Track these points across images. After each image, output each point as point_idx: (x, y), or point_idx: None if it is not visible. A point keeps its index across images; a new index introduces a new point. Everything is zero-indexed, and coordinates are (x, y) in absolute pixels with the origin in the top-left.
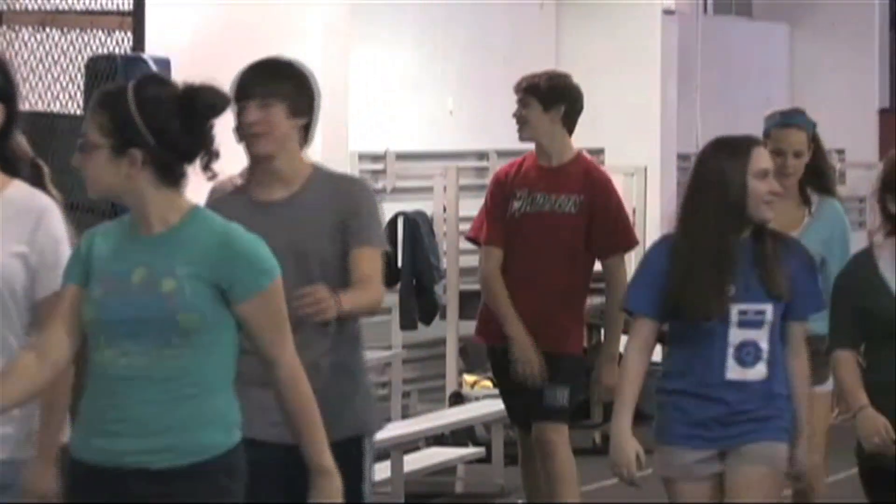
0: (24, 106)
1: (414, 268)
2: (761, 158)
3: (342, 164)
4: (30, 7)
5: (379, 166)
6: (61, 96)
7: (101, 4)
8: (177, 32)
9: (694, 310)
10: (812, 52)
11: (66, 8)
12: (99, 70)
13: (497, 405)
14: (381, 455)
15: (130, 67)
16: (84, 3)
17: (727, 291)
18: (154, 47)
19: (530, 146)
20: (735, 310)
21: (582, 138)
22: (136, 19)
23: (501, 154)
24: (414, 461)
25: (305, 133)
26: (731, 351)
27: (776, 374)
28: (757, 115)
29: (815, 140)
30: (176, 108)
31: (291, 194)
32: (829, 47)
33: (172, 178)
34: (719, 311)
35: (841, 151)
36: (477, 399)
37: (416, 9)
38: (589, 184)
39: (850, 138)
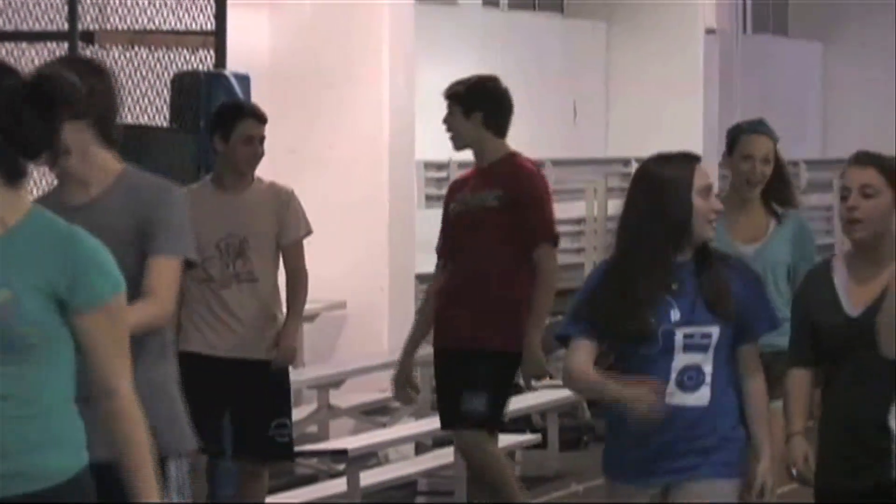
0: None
1: None
2: (704, 175)
3: (409, 172)
4: (120, 27)
5: (443, 174)
6: (149, 110)
7: (185, 24)
8: (256, 51)
9: (625, 330)
10: (843, 69)
11: (154, 28)
12: (184, 86)
13: (552, 394)
14: (444, 442)
15: (213, 83)
16: (170, 24)
17: (657, 312)
18: (234, 64)
19: (582, 155)
20: (680, 333)
21: (631, 148)
22: (217, 38)
23: (556, 163)
24: None
25: (100, 130)
26: (673, 376)
27: (720, 399)
28: (792, 125)
29: (775, 153)
30: (23, 100)
31: (92, 198)
32: (860, 64)
33: (15, 175)
34: (647, 331)
35: None
36: (533, 389)
37: (477, 29)
38: (513, 178)
39: (879, 146)
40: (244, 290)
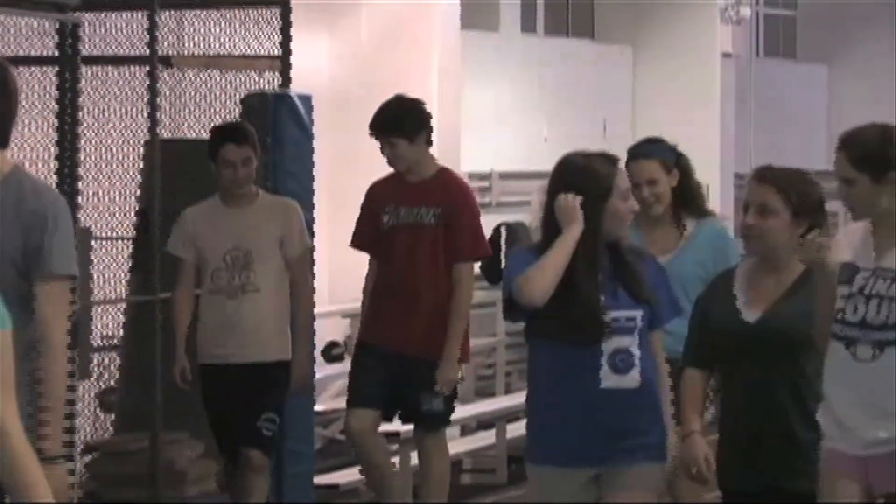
0: (190, 134)
1: None
2: (624, 177)
3: None
4: (195, 52)
5: (485, 184)
6: None
7: (253, 49)
8: (317, 74)
9: (580, 324)
10: (846, 89)
11: (225, 52)
12: (252, 105)
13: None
14: (487, 424)
15: (278, 103)
16: (240, 49)
17: (599, 302)
18: (298, 85)
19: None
20: (609, 317)
21: None
22: (283, 62)
23: None
24: (514, 430)
25: None
26: (604, 359)
27: (649, 381)
28: (800, 140)
29: (680, 166)
30: None
31: None
32: (861, 84)
33: None
34: (600, 320)
35: None
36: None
37: (516, 53)
38: (447, 195)
39: None
40: (250, 299)
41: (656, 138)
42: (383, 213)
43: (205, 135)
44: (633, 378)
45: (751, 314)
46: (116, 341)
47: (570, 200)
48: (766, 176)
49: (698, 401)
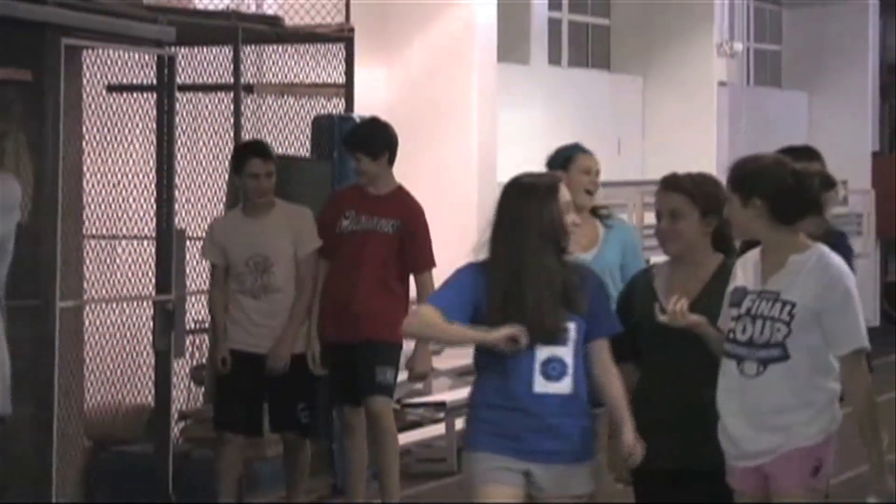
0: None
1: None
2: (565, 192)
3: (492, 191)
4: (273, 80)
5: None
6: (294, 144)
7: (322, 78)
8: (375, 99)
9: (538, 332)
10: (824, 112)
11: (298, 81)
12: (321, 126)
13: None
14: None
15: (343, 124)
16: (311, 78)
17: (560, 314)
18: (359, 109)
19: (625, 178)
20: (560, 326)
21: (662, 172)
22: (347, 89)
23: (605, 184)
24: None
25: None
26: (537, 366)
27: (579, 388)
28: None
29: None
30: None
31: None
32: (837, 108)
33: None
34: (557, 326)
35: (845, 182)
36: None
37: (543, 82)
38: (406, 211)
39: (853, 172)
40: (271, 299)
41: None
42: (343, 218)
43: (282, 151)
44: (564, 385)
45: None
46: (206, 325)
47: (509, 333)
48: (673, 183)
49: (627, 395)
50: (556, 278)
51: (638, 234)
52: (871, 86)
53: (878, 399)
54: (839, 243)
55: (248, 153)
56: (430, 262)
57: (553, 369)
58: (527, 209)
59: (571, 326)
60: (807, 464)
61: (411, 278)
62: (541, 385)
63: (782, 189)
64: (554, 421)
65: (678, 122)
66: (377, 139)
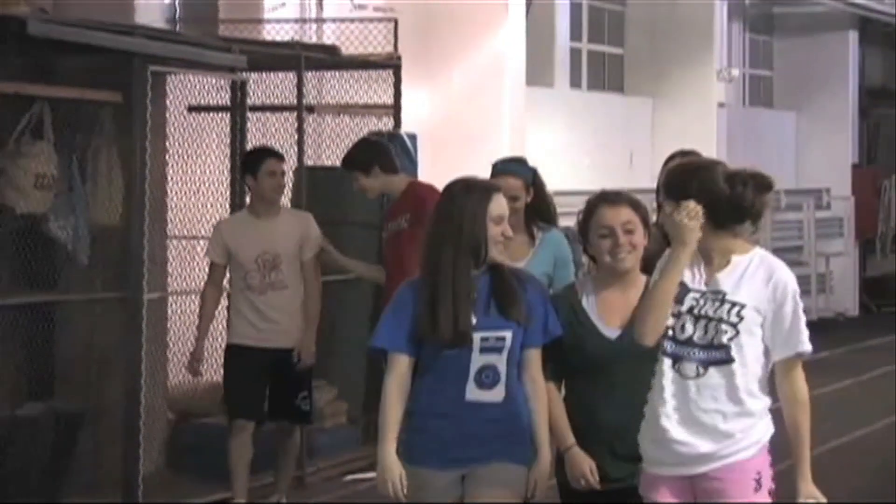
0: (328, 163)
1: None
2: (499, 205)
3: None
4: (331, 101)
5: None
6: None
7: (373, 100)
8: (420, 118)
9: (440, 338)
10: (810, 129)
11: (353, 102)
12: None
13: None
14: None
15: (392, 140)
16: (363, 99)
17: (469, 321)
18: (406, 126)
19: (636, 187)
20: (477, 337)
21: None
22: (395, 109)
23: None
24: None
25: None
26: (471, 374)
27: (514, 395)
28: (775, 168)
29: (535, 184)
30: None
31: None
32: (821, 126)
33: None
34: (464, 339)
35: (828, 189)
36: None
37: (565, 103)
38: (414, 201)
39: (835, 181)
40: (277, 295)
41: (520, 158)
42: (384, 231)
43: (338, 163)
44: (497, 393)
45: (610, 331)
46: None
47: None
48: (617, 198)
49: (564, 413)
50: (471, 286)
51: (566, 244)
52: (851, 106)
53: (862, 378)
54: None
55: (264, 154)
56: None
57: (486, 377)
58: (454, 216)
59: (507, 335)
60: (749, 477)
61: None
62: (473, 393)
63: (716, 195)
64: (488, 427)
65: (683, 138)
66: (362, 156)
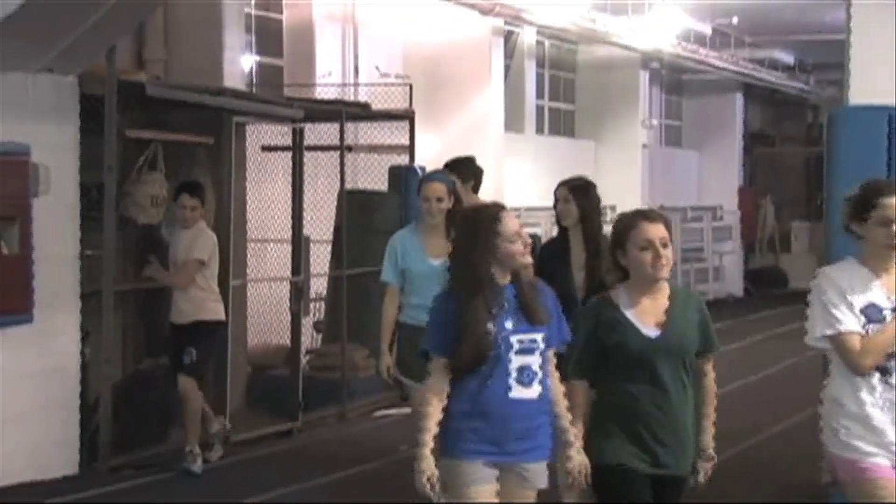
0: (362, 187)
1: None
2: (512, 223)
3: None
4: (364, 143)
5: (518, 214)
6: (377, 184)
7: (395, 142)
8: (428, 156)
9: (476, 344)
10: (710, 163)
11: (379, 144)
12: (395, 173)
13: None
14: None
15: (409, 172)
16: (387, 141)
17: (490, 342)
18: (419, 161)
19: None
20: (515, 340)
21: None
22: (410, 149)
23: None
24: None
25: None
26: (512, 374)
27: (545, 393)
28: (682, 192)
29: (455, 193)
30: None
31: None
32: (717, 160)
33: None
34: (491, 346)
35: (721, 206)
36: None
37: (533, 145)
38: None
39: (726, 200)
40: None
41: (443, 170)
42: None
43: (371, 188)
44: (534, 390)
45: (649, 330)
46: (323, 295)
47: None
48: (655, 216)
49: (583, 412)
50: (500, 297)
51: None
52: (738, 146)
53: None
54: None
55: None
56: None
57: (526, 376)
58: (479, 236)
59: (540, 336)
60: None
61: None
62: (517, 391)
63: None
64: (527, 422)
65: (617, 171)
66: (470, 168)
